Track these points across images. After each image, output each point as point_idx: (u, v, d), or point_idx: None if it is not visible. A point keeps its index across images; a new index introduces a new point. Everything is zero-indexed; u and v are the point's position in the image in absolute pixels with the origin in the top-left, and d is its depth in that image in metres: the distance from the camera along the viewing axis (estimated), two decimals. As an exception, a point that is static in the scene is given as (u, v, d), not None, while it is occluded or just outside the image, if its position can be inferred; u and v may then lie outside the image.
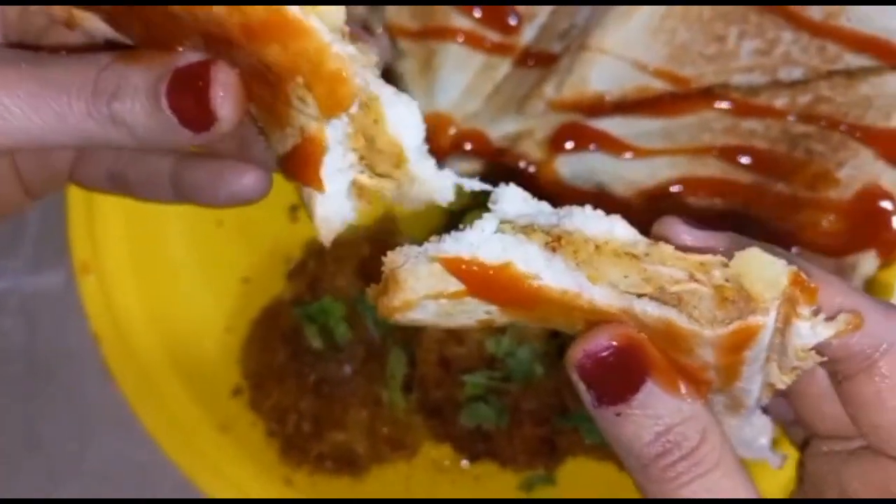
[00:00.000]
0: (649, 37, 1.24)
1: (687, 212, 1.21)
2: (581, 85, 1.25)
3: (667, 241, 0.65)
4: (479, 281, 0.65)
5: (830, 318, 0.65)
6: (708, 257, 0.63)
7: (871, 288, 1.21)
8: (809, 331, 0.64)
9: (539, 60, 1.28)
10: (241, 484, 1.29)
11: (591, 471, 1.28)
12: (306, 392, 1.30)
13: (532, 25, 1.29)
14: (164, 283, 1.35)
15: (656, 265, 0.63)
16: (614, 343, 0.65)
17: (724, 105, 1.23)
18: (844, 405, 0.72)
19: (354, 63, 0.65)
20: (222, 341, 1.35)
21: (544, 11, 1.29)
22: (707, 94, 1.24)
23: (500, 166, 1.26)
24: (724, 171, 1.22)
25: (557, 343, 1.26)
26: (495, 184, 0.69)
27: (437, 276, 0.65)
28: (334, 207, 0.70)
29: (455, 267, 0.65)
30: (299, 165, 0.69)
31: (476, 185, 0.70)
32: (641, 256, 0.64)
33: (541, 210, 0.67)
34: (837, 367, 0.70)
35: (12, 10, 0.79)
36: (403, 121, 0.68)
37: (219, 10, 0.63)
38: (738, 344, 0.63)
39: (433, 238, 0.66)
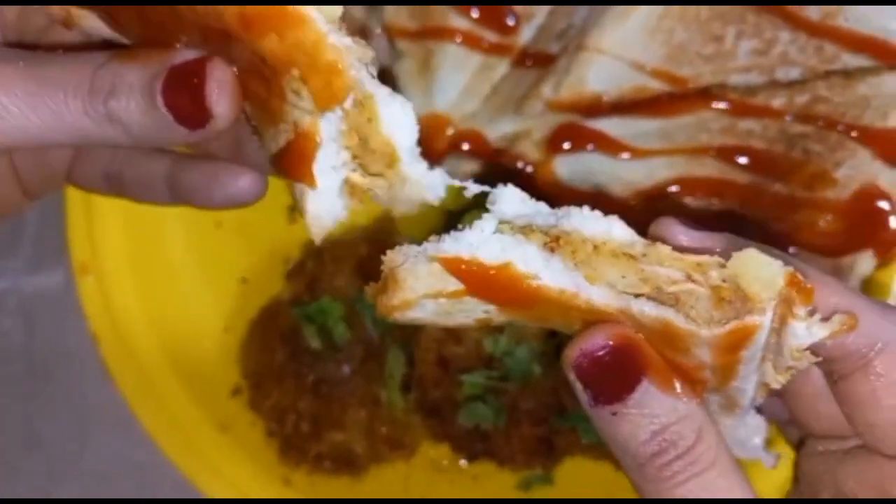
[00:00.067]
0: (647, 37, 1.24)
1: (684, 212, 1.21)
2: (579, 85, 1.25)
3: (664, 241, 0.65)
4: (479, 281, 0.65)
5: (826, 319, 0.65)
6: (705, 258, 0.63)
7: (868, 288, 1.21)
8: (805, 331, 0.64)
9: (537, 61, 1.28)
10: (239, 484, 1.29)
11: (588, 470, 1.29)
12: (305, 392, 1.30)
13: (530, 26, 1.29)
14: (162, 284, 1.35)
15: (653, 265, 0.64)
16: (610, 342, 0.65)
17: (721, 105, 1.23)
18: (840, 404, 0.72)
19: (350, 54, 0.65)
20: (221, 341, 1.35)
21: (542, 12, 1.29)
22: (704, 95, 1.24)
23: (498, 167, 1.26)
24: (721, 171, 1.22)
25: (555, 343, 1.26)
26: (492, 184, 0.69)
27: (436, 276, 0.65)
28: (326, 205, 0.70)
29: (454, 267, 0.65)
30: (292, 161, 0.69)
31: (474, 187, 0.70)
32: (639, 257, 0.64)
33: (538, 210, 0.67)
34: (833, 366, 0.70)
35: (11, 11, 0.79)
36: (397, 121, 0.67)
37: None
38: (735, 343, 0.64)
39: (432, 238, 0.66)
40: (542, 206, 0.67)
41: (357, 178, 0.69)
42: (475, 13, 1.28)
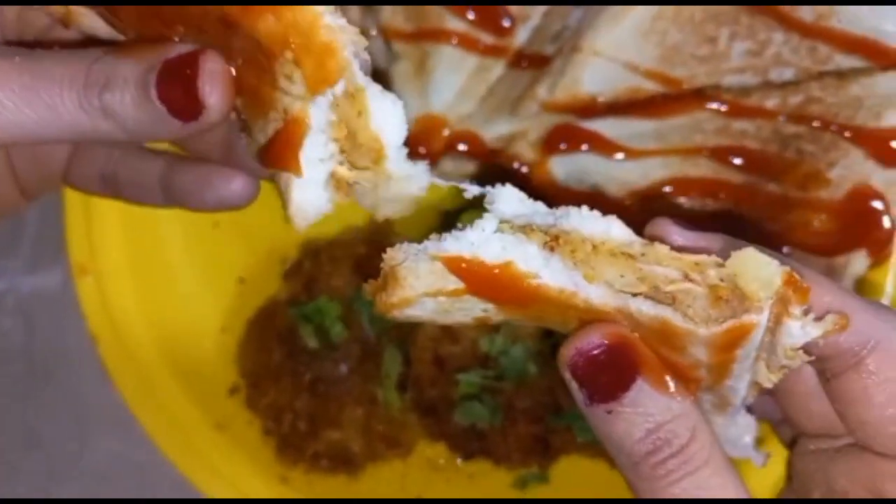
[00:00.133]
0: (641, 38, 1.24)
1: (679, 212, 1.21)
2: (574, 86, 1.25)
3: (659, 241, 0.66)
4: (479, 279, 0.66)
5: (819, 319, 0.66)
6: (703, 257, 0.64)
7: (862, 287, 1.21)
8: (800, 330, 0.65)
9: (532, 62, 1.28)
10: (237, 482, 1.29)
11: (583, 469, 1.29)
12: (302, 391, 1.31)
13: (525, 27, 1.29)
14: (161, 284, 1.36)
15: (652, 265, 0.64)
16: (606, 341, 0.66)
17: (715, 106, 1.23)
18: (832, 402, 0.73)
19: (345, 35, 0.66)
20: (219, 341, 1.35)
21: (537, 14, 1.29)
22: (699, 95, 1.24)
23: (495, 167, 1.27)
24: (715, 171, 1.22)
25: (551, 342, 1.26)
26: (489, 185, 0.69)
27: (436, 275, 0.66)
28: (311, 196, 0.70)
29: (455, 266, 0.65)
30: (279, 148, 0.69)
31: (474, 188, 0.71)
32: (637, 256, 0.65)
33: (536, 210, 0.68)
34: (826, 364, 0.71)
35: (11, 11, 0.80)
36: (387, 117, 0.68)
37: None
38: (732, 342, 0.64)
39: (433, 236, 0.66)
40: (540, 206, 0.68)
41: (343, 171, 0.70)
42: (471, 15, 1.28)
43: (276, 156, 0.70)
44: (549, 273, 0.65)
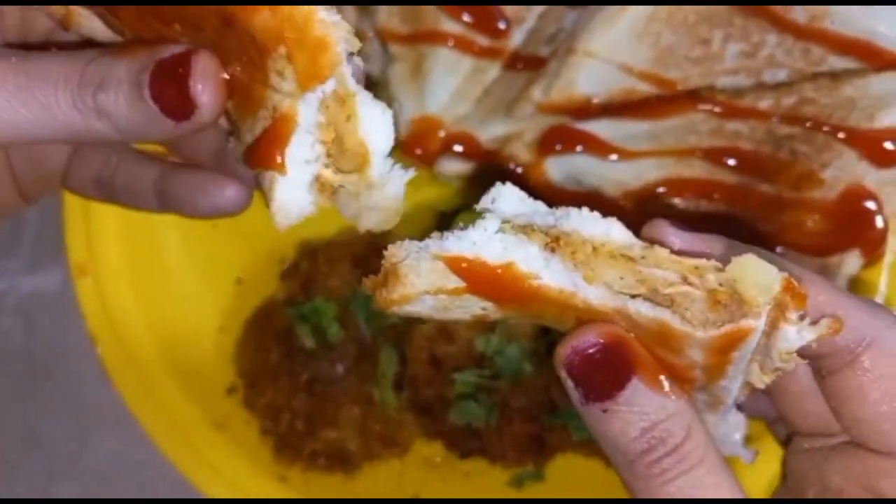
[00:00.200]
0: (635, 40, 1.24)
1: (674, 213, 1.21)
2: (568, 88, 1.25)
3: (657, 243, 0.66)
4: (480, 279, 0.66)
5: (815, 322, 0.66)
6: (702, 261, 0.64)
7: (856, 287, 1.21)
8: (796, 335, 0.65)
9: (528, 64, 1.29)
10: (236, 481, 1.29)
11: (579, 467, 1.29)
12: (299, 390, 1.31)
13: (521, 30, 1.30)
14: (159, 285, 1.36)
15: (651, 268, 0.64)
16: (601, 340, 0.66)
17: (709, 107, 1.24)
18: (827, 399, 0.73)
19: (339, 30, 0.66)
20: (217, 341, 1.36)
21: (532, 16, 1.30)
22: (692, 97, 1.24)
23: (491, 168, 1.27)
24: (709, 172, 1.23)
25: (546, 341, 1.27)
26: (485, 187, 0.69)
27: (437, 273, 0.66)
28: (294, 197, 0.69)
29: (456, 265, 0.66)
30: (266, 146, 0.69)
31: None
32: (637, 259, 0.65)
33: (537, 210, 0.68)
34: (821, 362, 0.71)
35: (13, 15, 0.80)
36: (375, 124, 0.68)
37: None
38: (728, 345, 0.64)
39: (434, 235, 0.66)
40: (541, 206, 0.68)
41: (328, 174, 0.69)
42: (467, 17, 1.28)
43: (263, 153, 0.69)
44: (549, 274, 0.65)
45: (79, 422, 1.36)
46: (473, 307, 0.69)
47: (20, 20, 0.81)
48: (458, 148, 1.28)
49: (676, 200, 1.23)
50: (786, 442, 0.81)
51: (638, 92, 1.25)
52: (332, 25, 0.65)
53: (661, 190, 1.22)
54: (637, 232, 0.68)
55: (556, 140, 1.25)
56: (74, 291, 1.33)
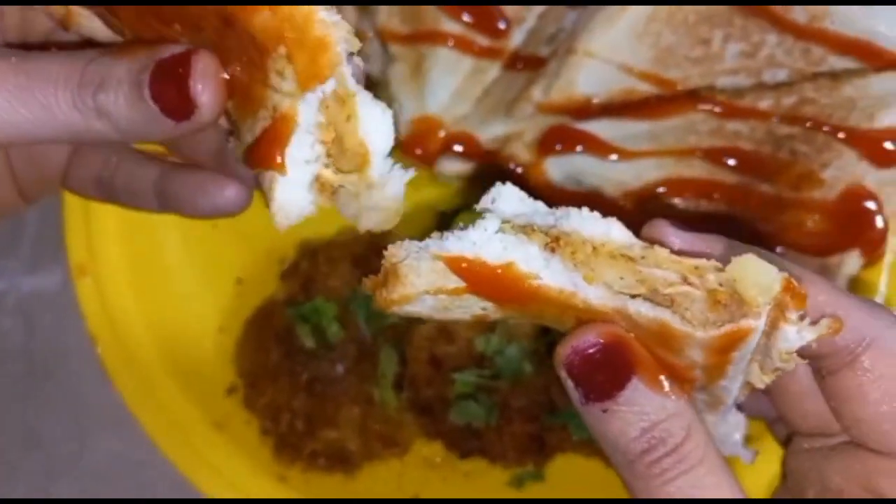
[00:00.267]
0: (635, 40, 1.24)
1: (673, 212, 1.21)
2: (568, 88, 1.25)
3: (657, 243, 0.66)
4: (481, 279, 0.66)
5: (814, 322, 0.66)
6: (702, 261, 0.64)
7: (856, 287, 1.21)
8: (796, 335, 0.65)
9: (527, 64, 1.29)
10: (236, 481, 1.29)
11: (579, 467, 1.29)
12: (299, 390, 1.31)
13: (521, 30, 1.30)
14: (159, 285, 1.36)
15: (651, 268, 0.64)
16: (601, 340, 0.66)
17: (709, 107, 1.24)
18: (827, 399, 0.73)
19: (339, 30, 0.66)
20: (217, 341, 1.36)
21: (532, 16, 1.30)
22: (692, 97, 1.24)
23: (491, 168, 1.27)
24: (709, 172, 1.23)
25: (546, 341, 1.27)
26: (485, 187, 0.69)
27: (438, 273, 0.66)
28: (294, 196, 0.69)
29: (457, 265, 0.66)
30: (266, 146, 0.69)
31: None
32: (637, 259, 0.65)
33: (537, 209, 0.68)
34: (822, 362, 0.71)
35: (13, 15, 0.80)
36: (375, 124, 0.68)
37: None
38: (728, 345, 0.64)
39: (434, 235, 0.66)
40: (540, 205, 0.68)
41: (328, 174, 0.69)
42: (467, 17, 1.28)
43: (263, 153, 0.69)
44: (549, 274, 0.65)
45: (79, 422, 1.36)
46: (473, 307, 0.69)
47: (20, 20, 0.81)
48: (458, 148, 1.28)
49: (676, 200, 1.23)
50: (786, 442, 0.81)
51: (638, 92, 1.25)
52: (332, 25, 0.65)
53: (661, 190, 1.22)
54: (637, 232, 0.68)
55: (556, 140, 1.25)
56: (74, 291, 1.33)
